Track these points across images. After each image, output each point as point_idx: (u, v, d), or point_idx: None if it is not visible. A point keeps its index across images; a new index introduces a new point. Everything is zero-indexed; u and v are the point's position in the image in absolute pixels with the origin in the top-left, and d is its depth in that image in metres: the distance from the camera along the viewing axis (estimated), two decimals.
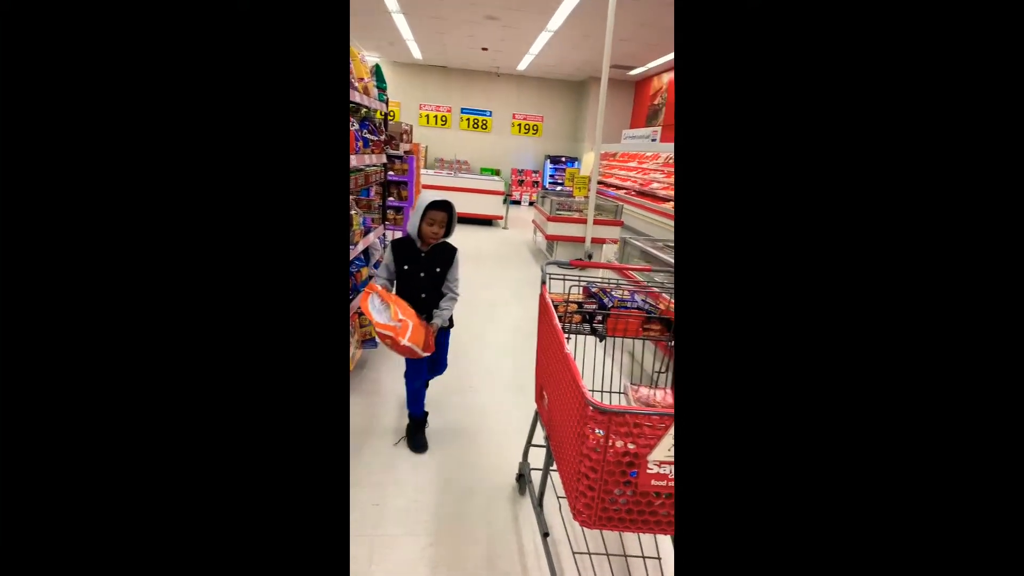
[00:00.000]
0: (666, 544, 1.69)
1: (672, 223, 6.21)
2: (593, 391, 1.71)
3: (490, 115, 11.85)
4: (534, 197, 9.64)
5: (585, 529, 1.69)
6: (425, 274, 2.11)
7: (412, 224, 2.07)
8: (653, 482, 1.11)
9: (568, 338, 1.56)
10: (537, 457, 1.82)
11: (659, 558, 1.62)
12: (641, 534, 1.72)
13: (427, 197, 2.03)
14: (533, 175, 11.76)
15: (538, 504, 1.67)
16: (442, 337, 2.23)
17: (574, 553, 1.63)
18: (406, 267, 2.11)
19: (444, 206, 2.06)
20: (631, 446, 1.10)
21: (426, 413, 2.32)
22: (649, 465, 1.10)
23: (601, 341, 1.71)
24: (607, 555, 1.65)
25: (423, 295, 2.12)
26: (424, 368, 2.21)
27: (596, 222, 5.75)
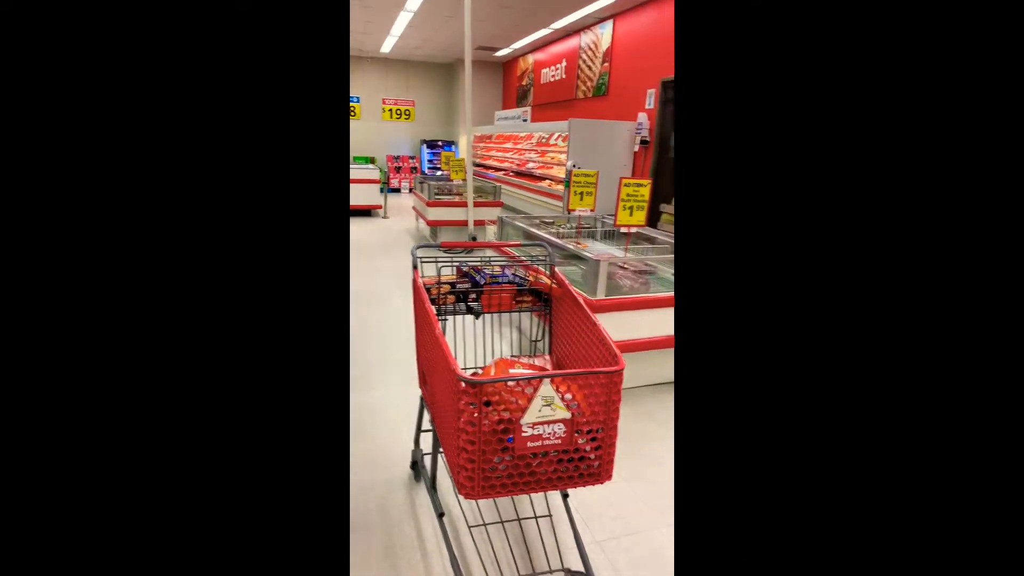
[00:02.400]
0: (556, 501, 1.79)
1: (548, 200, 6.45)
2: (479, 368, 1.74)
3: (358, 101, 11.31)
4: (413, 183, 9.43)
5: (479, 502, 1.74)
6: None
7: None
8: (529, 444, 1.16)
9: (444, 319, 1.56)
10: (428, 442, 1.82)
11: (550, 515, 1.71)
12: (532, 496, 1.81)
13: None
14: (411, 161, 11.49)
15: (431, 487, 1.68)
16: None
17: (470, 527, 1.66)
18: None
19: None
20: (505, 413, 1.14)
21: None
22: (523, 428, 1.15)
23: (477, 318, 1.74)
24: (501, 522, 1.71)
25: None
26: None
27: (477, 204, 5.79)
